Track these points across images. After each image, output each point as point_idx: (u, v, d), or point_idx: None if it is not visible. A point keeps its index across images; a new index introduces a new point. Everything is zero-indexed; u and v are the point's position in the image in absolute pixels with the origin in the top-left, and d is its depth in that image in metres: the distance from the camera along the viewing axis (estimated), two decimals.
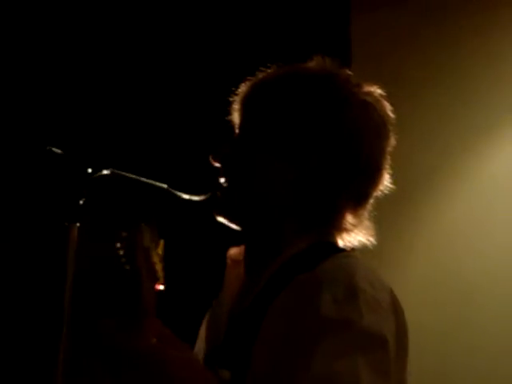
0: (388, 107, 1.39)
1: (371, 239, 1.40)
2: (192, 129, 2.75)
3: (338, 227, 1.36)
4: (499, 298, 2.67)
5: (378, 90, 1.39)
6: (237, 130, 1.41)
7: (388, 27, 2.94)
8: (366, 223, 1.39)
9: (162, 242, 1.28)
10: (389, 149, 1.39)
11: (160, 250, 1.26)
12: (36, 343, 2.51)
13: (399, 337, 1.21)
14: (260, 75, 1.41)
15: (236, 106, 1.41)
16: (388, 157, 1.39)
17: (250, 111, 1.38)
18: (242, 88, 1.41)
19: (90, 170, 1.31)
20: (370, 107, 1.36)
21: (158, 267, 1.24)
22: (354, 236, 1.39)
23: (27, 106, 2.66)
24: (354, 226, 1.37)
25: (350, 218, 1.36)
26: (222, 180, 1.37)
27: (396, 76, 2.83)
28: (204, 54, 2.81)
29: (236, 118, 1.42)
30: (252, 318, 1.26)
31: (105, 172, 1.33)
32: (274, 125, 1.34)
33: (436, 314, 2.72)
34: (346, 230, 1.37)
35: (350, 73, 1.40)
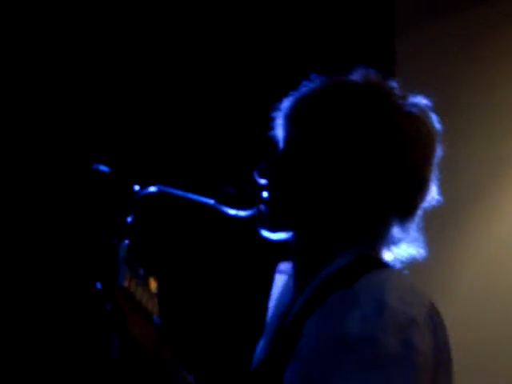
0: (434, 118, 1.38)
1: (421, 251, 1.38)
2: (236, 145, 2.75)
3: (385, 240, 1.34)
4: None
5: (423, 101, 1.38)
6: (281, 145, 1.40)
7: (433, 42, 2.91)
8: (414, 235, 1.37)
9: (151, 280, 1.29)
10: (436, 160, 1.37)
11: (151, 287, 1.27)
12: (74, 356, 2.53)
13: (438, 353, 1.19)
14: (303, 89, 1.40)
15: (280, 121, 1.41)
16: (435, 168, 1.37)
17: (297, 126, 1.37)
18: (286, 102, 1.40)
19: (136, 188, 1.32)
20: (416, 119, 1.35)
21: (149, 304, 1.25)
22: (403, 249, 1.37)
23: (75, 124, 2.69)
24: (402, 238, 1.35)
25: (397, 231, 1.34)
26: (266, 195, 1.37)
27: (442, 90, 2.80)
28: (248, 71, 2.82)
29: (280, 133, 1.41)
30: (291, 333, 1.26)
31: (151, 189, 1.34)
32: (322, 138, 1.34)
33: (485, 329, 2.68)
34: (394, 243, 1.35)
35: (394, 84, 1.39)
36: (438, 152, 1.38)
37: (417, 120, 1.35)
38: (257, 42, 2.83)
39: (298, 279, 1.38)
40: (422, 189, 1.35)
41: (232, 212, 1.38)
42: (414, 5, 2.97)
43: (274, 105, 1.42)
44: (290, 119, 1.39)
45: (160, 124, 2.76)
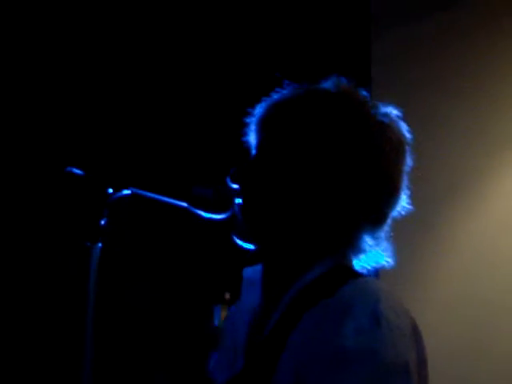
0: (405, 128, 1.38)
1: (389, 260, 1.38)
2: (211, 147, 2.75)
3: (356, 248, 1.35)
4: None
5: (394, 111, 1.39)
6: (254, 151, 1.40)
7: (408, 45, 2.93)
8: (384, 244, 1.37)
9: None
10: (406, 169, 1.38)
11: None
12: (53, 364, 2.52)
13: (419, 365, 1.20)
14: (276, 96, 1.40)
15: (253, 127, 1.40)
16: (405, 177, 1.38)
17: (269, 132, 1.37)
18: (259, 109, 1.40)
19: (110, 191, 1.32)
20: (387, 128, 1.35)
21: None
22: (372, 257, 1.37)
23: (48, 127, 2.67)
24: (372, 246, 1.36)
25: (367, 239, 1.35)
26: (239, 201, 1.36)
27: (416, 95, 2.82)
28: (221, 76, 2.82)
29: (253, 138, 1.41)
30: (273, 344, 1.25)
31: (125, 192, 1.34)
32: (293, 145, 1.33)
33: (457, 331, 2.70)
34: (364, 251, 1.36)
35: (365, 94, 1.39)
36: (409, 161, 1.38)
37: (388, 129, 1.35)
38: (231, 48, 2.83)
39: (268, 288, 1.37)
40: (392, 197, 1.35)
41: (205, 215, 1.39)
42: (389, 8, 2.99)
43: (247, 110, 1.42)
44: (262, 125, 1.39)
45: (134, 128, 2.76)
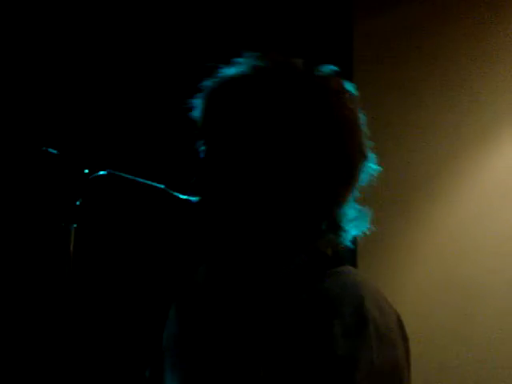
0: (349, 86, 1.31)
1: (366, 231, 1.32)
2: (187, 129, 2.74)
3: (331, 226, 1.28)
4: (499, 294, 2.69)
5: (332, 68, 1.30)
6: (204, 153, 1.33)
7: (390, 30, 2.93)
8: (362, 212, 1.31)
9: None
10: (362, 125, 1.31)
11: None
12: (32, 343, 2.51)
13: (408, 361, 1.19)
14: (213, 85, 1.31)
15: (198, 104, 1.33)
16: (366, 142, 1.31)
17: (217, 118, 1.30)
18: (205, 87, 1.32)
19: (86, 171, 1.31)
20: (327, 81, 1.29)
21: None
22: (348, 231, 1.30)
23: (23, 106, 2.65)
24: (347, 220, 1.29)
25: (341, 213, 1.28)
26: (204, 203, 1.30)
27: (397, 79, 2.83)
28: (202, 57, 2.80)
29: (198, 116, 1.34)
30: (251, 337, 1.20)
31: (102, 173, 1.33)
32: (246, 135, 1.26)
33: (439, 312, 2.72)
34: (339, 227, 1.29)
35: (304, 61, 1.31)
36: (362, 117, 1.32)
37: (328, 82, 1.29)
38: (213, 28, 2.82)
39: (233, 272, 1.31)
40: (356, 162, 1.29)
41: (182, 197, 1.38)
42: None
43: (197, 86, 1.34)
44: (207, 108, 1.31)
45: (111, 108, 2.74)
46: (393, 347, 1.14)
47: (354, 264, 2.53)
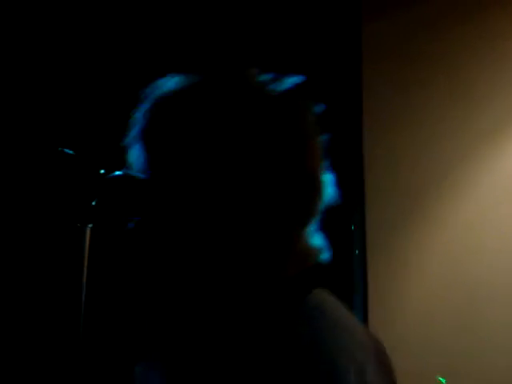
0: (305, 97, 1.20)
1: (326, 254, 1.20)
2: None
3: (292, 252, 1.16)
4: (506, 293, 2.69)
5: (289, 80, 1.20)
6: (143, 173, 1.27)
7: (398, 30, 2.94)
8: (319, 237, 1.20)
9: None
10: (320, 150, 1.20)
11: None
12: (49, 343, 2.51)
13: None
14: (165, 88, 1.25)
15: (133, 142, 1.27)
16: (323, 156, 1.20)
17: (156, 145, 1.21)
18: (138, 120, 1.27)
19: (102, 171, 1.31)
20: (284, 109, 1.16)
21: None
22: (314, 254, 1.19)
23: (39, 107, 2.66)
24: (309, 245, 1.18)
25: (303, 238, 1.17)
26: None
27: (405, 79, 2.83)
28: (212, 59, 2.81)
29: (135, 157, 1.27)
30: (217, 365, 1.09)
31: (117, 173, 1.32)
32: (193, 157, 1.15)
33: (446, 310, 2.72)
34: (300, 251, 1.17)
35: (256, 70, 1.21)
36: (322, 137, 1.21)
37: (279, 101, 1.17)
38: (223, 32, 2.82)
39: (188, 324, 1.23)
40: (312, 187, 1.17)
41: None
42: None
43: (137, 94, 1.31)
44: (147, 138, 1.23)
45: (128, 108, 2.74)
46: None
47: (364, 264, 2.53)
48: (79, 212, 1.28)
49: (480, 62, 2.86)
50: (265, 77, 1.18)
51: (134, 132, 1.24)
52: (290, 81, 1.19)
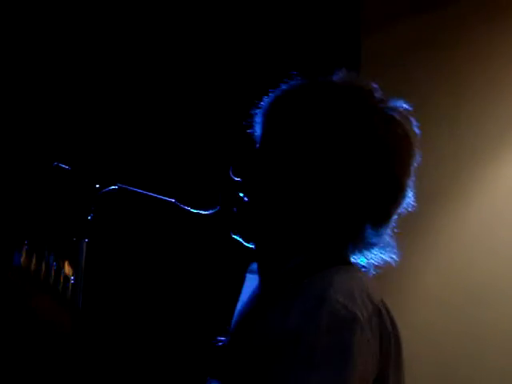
0: (413, 123, 1.35)
1: (394, 257, 1.34)
2: (198, 143, 2.75)
3: (358, 244, 1.31)
4: (510, 300, 2.68)
5: (403, 105, 1.36)
6: (258, 144, 1.37)
7: (398, 38, 2.94)
8: (388, 240, 1.33)
9: (66, 264, 1.28)
10: (413, 165, 1.34)
11: (66, 272, 1.27)
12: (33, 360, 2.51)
13: (386, 353, 1.18)
14: (282, 87, 1.36)
15: (258, 119, 1.37)
16: (412, 174, 1.34)
17: (274, 125, 1.34)
18: (265, 101, 1.37)
19: (97, 186, 1.32)
20: (395, 123, 1.32)
21: (60, 285, 1.24)
22: (376, 253, 1.34)
23: (35, 122, 2.67)
24: (375, 242, 1.32)
25: (370, 235, 1.31)
26: (241, 195, 1.33)
27: (404, 93, 2.83)
28: (221, 67, 2.81)
29: (258, 131, 1.38)
30: (245, 331, 1.27)
31: (112, 187, 1.34)
32: (298, 139, 1.30)
33: (454, 318, 2.72)
34: (366, 247, 1.32)
35: (374, 86, 1.35)
36: (417, 158, 1.35)
37: (396, 124, 1.32)
38: (234, 41, 2.82)
39: (261, 279, 1.36)
40: (397, 196, 1.32)
41: (193, 211, 1.38)
42: (380, 4, 3.00)
43: (253, 102, 1.40)
44: (266, 118, 1.36)
45: (122, 122, 2.75)
46: (350, 330, 1.12)
47: None
48: (75, 226, 1.29)
49: (481, 74, 2.84)
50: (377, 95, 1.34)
51: (260, 112, 1.36)
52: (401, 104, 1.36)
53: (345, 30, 2.92)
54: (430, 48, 2.93)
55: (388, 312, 1.21)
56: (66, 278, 1.24)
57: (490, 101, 2.85)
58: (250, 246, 1.34)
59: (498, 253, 2.74)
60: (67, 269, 1.25)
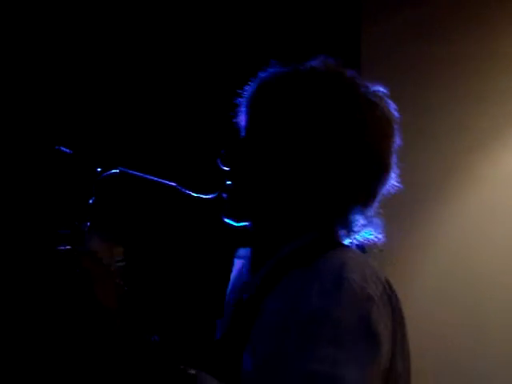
0: (393, 106, 1.39)
1: (379, 237, 1.40)
2: (200, 127, 2.75)
3: (344, 225, 1.36)
4: (509, 289, 2.69)
5: (382, 89, 1.39)
6: (243, 132, 1.41)
7: (397, 29, 2.93)
8: (373, 221, 1.38)
9: (117, 246, 1.29)
10: (395, 147, 1.39)
11: (116, 253, 1.27)
12: (36, 342, 2.52)
13: (394, 331, 1.21)
14: (264, 75, 1.40)
15: (242, 108, 1.41)
16: (394, 155, 1.38)
17: (257, 112, 1.38)
18: (248, 89, 1.40)
19: (99, 170, 1.32)
20: (376, 107, 1.36)
21: (115, 270, 1.25)
22: (362, 234, 1.39)
23: (36, 105, 2.66)
24: (361, 223, 1.37)
25: (356, 216, 1.36)
26: (229, 182, 1.37)
27: (405, 83, 2.83)
28: (209, 54, 2.81)
29: (242, 119, 1.41)
30: (248, 311, 1.28)
31: (113, 171, 1.34)
32: (283, 125, 1.34)
33: (447, 309, 2.72)
34: (352, 228, 1.37)
35: (354, 72, 1.39)
36: (397, 140, 1.39)
37: (377, 108, 1.36)
38: (222, 29, 2.82)
39: (254, 262, 1.39)
40: (381, 176, 1.36)
41: (194, 195, 1.39)
42: None
43: (237, 91, 1.42)
44: (250, 105, 1.39)
45: (123, 106, 2.75)
46: (368, 308, 1.17)
47: None
48: (76, 210, 1.29)
49: (481, 64, 2.85)
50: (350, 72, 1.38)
51: (243, 101, 1.41)
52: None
53: (345, 17, 2.91)
54: (431, 37, 2.93)
55: (393, 290, 1.25)
56: (118, 261, 1.25)
57: (492, 91, 2.85)
58: (241, 228, 1.38)
59: (497, 243, 2.75)
60: (118, 251, 1.26)
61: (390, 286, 1.25)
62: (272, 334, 1.20)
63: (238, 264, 1.50)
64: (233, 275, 1.51)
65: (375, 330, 1.16)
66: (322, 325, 1.14)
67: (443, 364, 2.66)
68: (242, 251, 1.48)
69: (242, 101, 1.41)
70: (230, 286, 1.49)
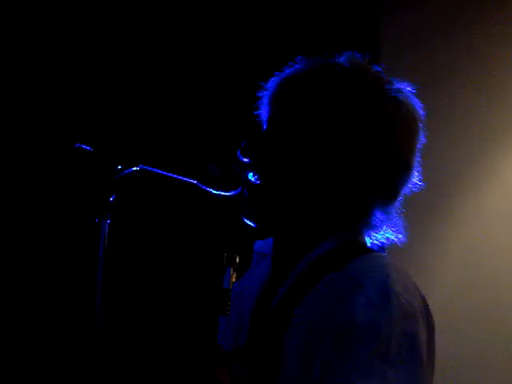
0: (418, 104, 1.38)
1: (400, 236, 1.38)
2: (220, 123, 2.75)
3: (367, 224, 1.35)
4: None
5: (408, 87, 1.38)
6: (265, 126, 1.39)
7: (417, 23, 2.92)
8: (395, 220, 1.37)
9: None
10: (419, 146, 1.38)
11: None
12: (65, 341, 2.53)
13: (429, 343, 1.20)
14: (289, 70, 1.39)
15: (265, 101, 1.39)
16: (418, 154, 1.37)
17: (281, 106, 1.36)
18: (271, 83, 1.39)
19: (119, 167, 1.32)
20: (401, 104, 1.34)
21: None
22: (383, 233, 1.38)
23: (57, 103, 2.67)
24: (383, 222, 1.36)
25: (378, 215, 1.34)
26: (251, 176, 1.36)
27: (425, 72, 2.81)
28: (231, 52, 2.81)
29: (265, 113, 1.40)
30: (279, 318, 1.26)
31: (134, 168, 1.34)
32: (306, 120, 1.32)
33: (466, 311, 2.71)
34: (375, 227, 1.36)
35: (380, 69, 1.38)
36: (422, 138, 1.38)
37: (402, 105, 1.34)
38: (244, 23, 2.82)
39: (278, 262, 1.37)
40: (404, 174, 1.35)
41: (214, 192, 1.38)
42: None
43: (260, 84, 1.41)
44: (273, 99, 1.37)
45: (143, 103, 2.76)
46: (414, 323, 1.16)
47: None
48: (97, 208, 1.29)
49: (499, 62, 2.83)
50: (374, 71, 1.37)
51: (266, 95, 1.39)
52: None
53: (364, 11, 2.90)
54: (448, 31, 2.91)
55: (424, 298, 1.25)
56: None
57: (508, 91, 2.83)
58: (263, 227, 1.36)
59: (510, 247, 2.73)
60: (234, 277, 1.26)
61: (425, 298, 1.24)
62: (307, 345, 1.18)
63: (257, 259, 1.48)
64: (250, 270, 1.49)
65: (419, 342, 1.15)
66: (370, 339, 1.12)
67: (463, 358, 2.64)
68: (261, 244, 1.46)
69: (265, 94, 1.40)
70: (242, 280, 1.46)
